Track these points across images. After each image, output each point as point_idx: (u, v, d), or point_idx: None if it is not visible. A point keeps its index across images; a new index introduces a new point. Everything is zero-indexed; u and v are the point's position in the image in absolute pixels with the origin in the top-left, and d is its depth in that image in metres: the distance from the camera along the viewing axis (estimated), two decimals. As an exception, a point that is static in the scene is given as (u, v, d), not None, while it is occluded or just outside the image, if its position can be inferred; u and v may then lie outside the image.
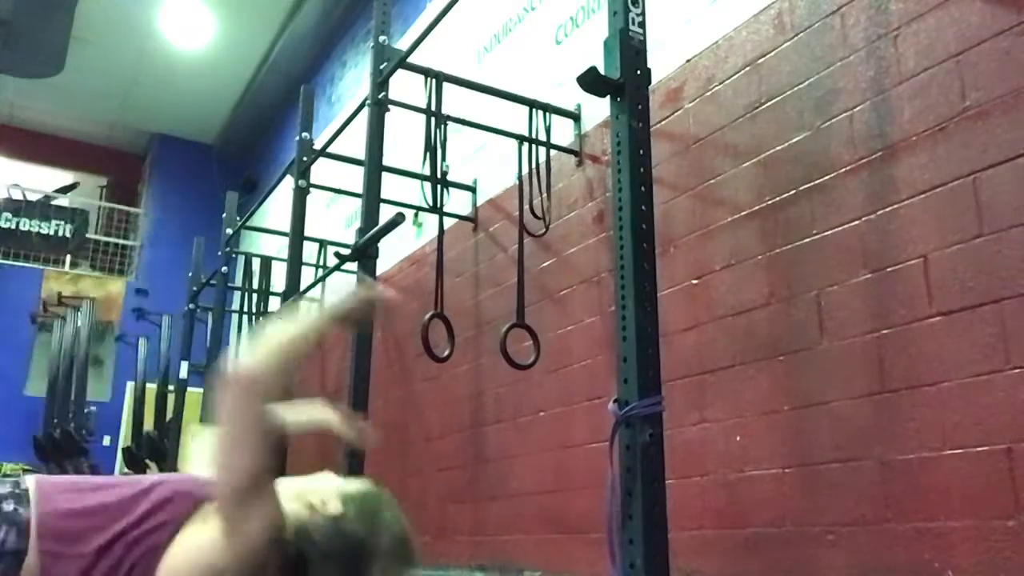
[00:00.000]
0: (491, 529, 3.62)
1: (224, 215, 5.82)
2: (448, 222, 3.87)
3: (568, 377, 3.31)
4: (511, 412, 3.62)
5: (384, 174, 3.33)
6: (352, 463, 2.79)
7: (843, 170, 2.33)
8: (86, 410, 7.72)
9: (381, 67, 3.28)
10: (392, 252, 4.87)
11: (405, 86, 3.43)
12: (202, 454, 1.65)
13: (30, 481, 1.35)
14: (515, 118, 3.54)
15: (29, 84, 8.77)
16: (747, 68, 2.73)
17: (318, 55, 8.13)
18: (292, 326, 1.39)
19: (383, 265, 4.23)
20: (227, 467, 1.27)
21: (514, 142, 3.49)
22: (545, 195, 3.46)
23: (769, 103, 2.62)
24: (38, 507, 1.29)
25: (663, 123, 3.01)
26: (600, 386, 3.03)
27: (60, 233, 9.37)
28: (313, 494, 1.41)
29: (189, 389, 6.17)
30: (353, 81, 7.16)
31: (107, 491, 1.36)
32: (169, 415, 6.86)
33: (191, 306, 6.38)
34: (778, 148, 2.56)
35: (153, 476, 1.45)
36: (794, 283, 2.43)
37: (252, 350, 1.35)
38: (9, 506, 1.28)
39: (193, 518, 1.33)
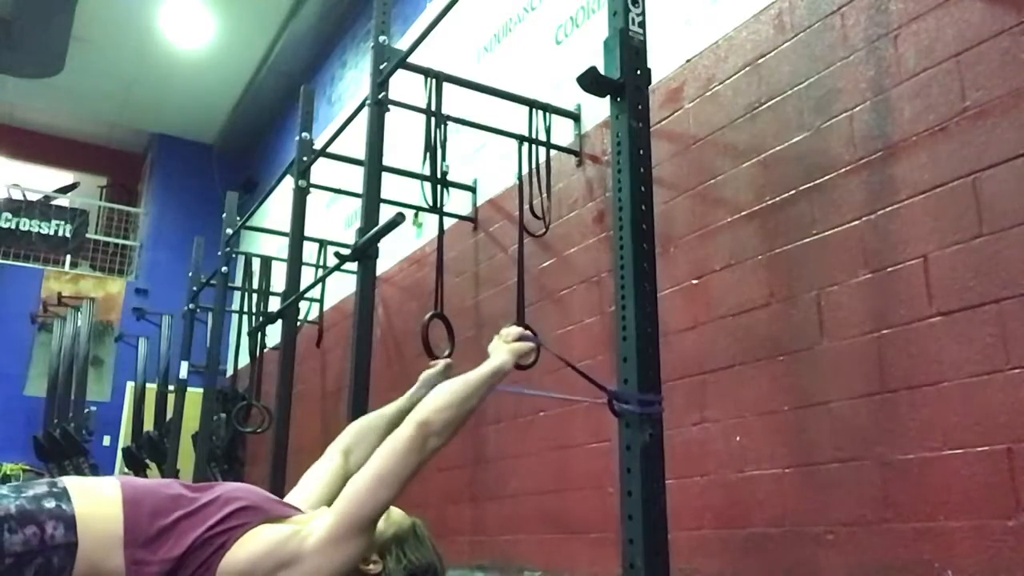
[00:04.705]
0: (491, 529, 3.62)
1: (224, 215, 5.82)
2: (448, 222, 3.87)
3: (568, 377, 3.30)
4: (511, 412, 3.62)
5: (384, 174, 3.33)
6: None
7: (843, 170, 2.33)
8: (86, 410, 7.70)
9: (381, 67, 3.28)
10: (392, 252, 4.87)
11: (405, 86, 3.43)
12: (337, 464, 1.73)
13: (115, 484, 1.41)
14: (515, 118, 3.54)
15: (29, 84, 8.77)
16: (747, 68, 2.73)
17: (318, 55, 8.13)
18: (463, 384, 1.54)
19: (383, 265, 4.24)
20: (376, 489, 1.37)
21: (514, 142, 3.49)
22: (545, 195, 3.46)
23: (769, 103, 2.62)
24: (127, 515, 1.34)
25: (663, 123, 3.01)
26: (600, 386, 3.03)
27: (60, 233, 9.37)
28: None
29: (189, 389, 6.17)
30: (353, 81, 7.16)
31: (186, 501, 1.41)
32: (169, 415, 6.87)
33: (191, 306, 6.38)
34: (778, 148, 2.56)
35: (216, 487, 1.51)
36: (794, 283, 2.43)
37: (436, 404, 1.48)
38: (50, 503, 1.31)
39: (261, 524, 1.41)
